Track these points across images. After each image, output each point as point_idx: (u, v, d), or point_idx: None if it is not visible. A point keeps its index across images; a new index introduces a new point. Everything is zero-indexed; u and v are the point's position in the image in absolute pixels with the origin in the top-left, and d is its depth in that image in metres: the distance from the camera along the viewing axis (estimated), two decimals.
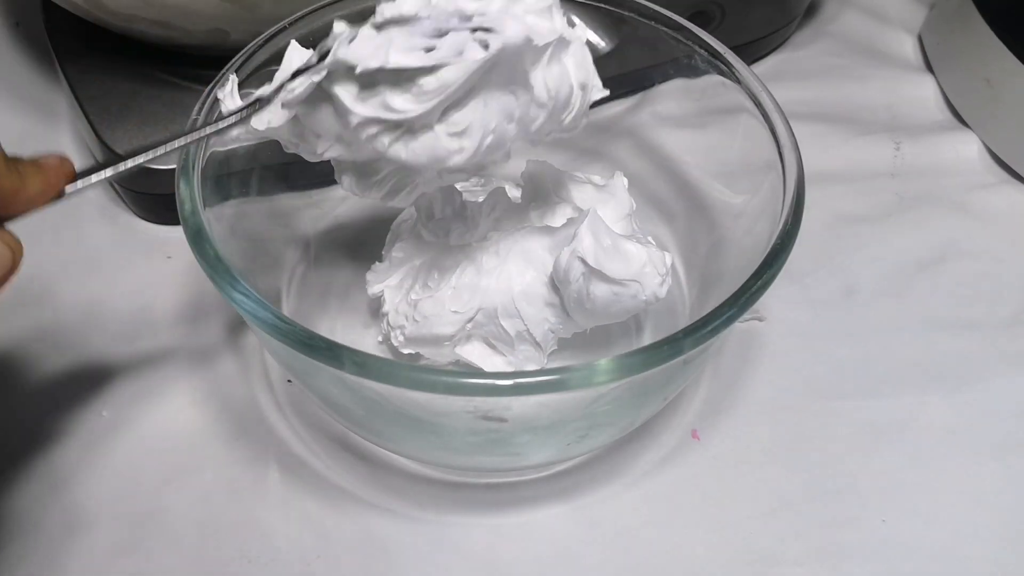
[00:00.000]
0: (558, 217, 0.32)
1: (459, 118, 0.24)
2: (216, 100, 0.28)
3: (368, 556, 0.30)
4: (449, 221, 0.31)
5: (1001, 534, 0.31)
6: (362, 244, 0.35)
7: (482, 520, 0.31)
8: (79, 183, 0.23)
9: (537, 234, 0.30)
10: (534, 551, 0.30)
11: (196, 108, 0.28)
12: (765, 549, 0.30)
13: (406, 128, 0.24)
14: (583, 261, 0.27)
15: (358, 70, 0.23)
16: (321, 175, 0.33)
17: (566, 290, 0.28)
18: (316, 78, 0.24)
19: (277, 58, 0.30)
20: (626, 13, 0.33)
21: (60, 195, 0.23)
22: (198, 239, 0.25)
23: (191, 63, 0.36)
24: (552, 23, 0.25)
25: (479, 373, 0.26)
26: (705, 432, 0.33)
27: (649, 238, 0.33)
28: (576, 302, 0.28)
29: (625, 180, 0.33)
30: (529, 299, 0.29)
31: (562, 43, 0.26)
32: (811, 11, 0.49)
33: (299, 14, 0.31)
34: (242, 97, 0.27)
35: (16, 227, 0.38)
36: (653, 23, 0.33)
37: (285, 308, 0.33)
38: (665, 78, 0.34)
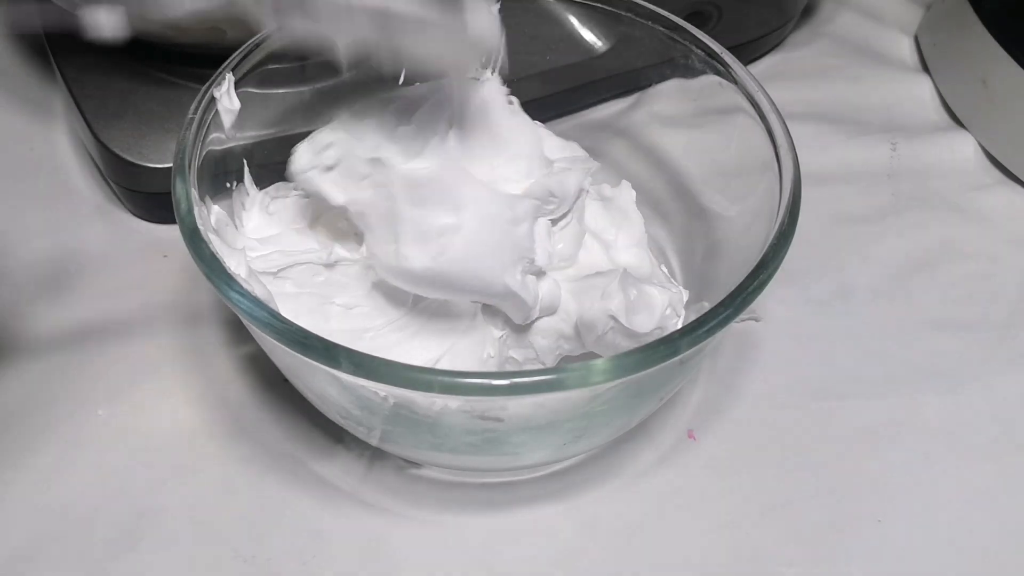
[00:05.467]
0: (568, 238, 0.32)
1: None
2: (213, 99, 0.28)
3: (364, 555, 0.30)
4: None
5: (997, 534, 0.31)
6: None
7: (478, 519, 0.31)
8: None
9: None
10: (530, 551, 0.30)
11: (192, 107, 0.28)
12: (761, 549, 0.30)
13: None
14: (614, 319, 0.27)
15: None
16: None
17: (590, 335, 0.28)
18: None
19: (274, 57, 0.31)
20: (623, 13, 0.33)
21: None
22: (194, 238, 0.25)
23: (188, 62, 0.36)
24: None
25: (476, 373, 0.26)
26: (701, 432, 0.33)
27: (662, 267, 0.33)
28: (597, 344, 0.29)
29: (633, 192, 0.33)
30: (544, 334, 0.29)
31: None
32: (808, 12, 0.49)
33: None
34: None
35: (13, 225, 0.38)
36: (650, 23, 0.33)
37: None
38: (662, 78, 0.34)
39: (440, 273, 0.26)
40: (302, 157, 0.28)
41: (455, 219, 0.25)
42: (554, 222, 0.29)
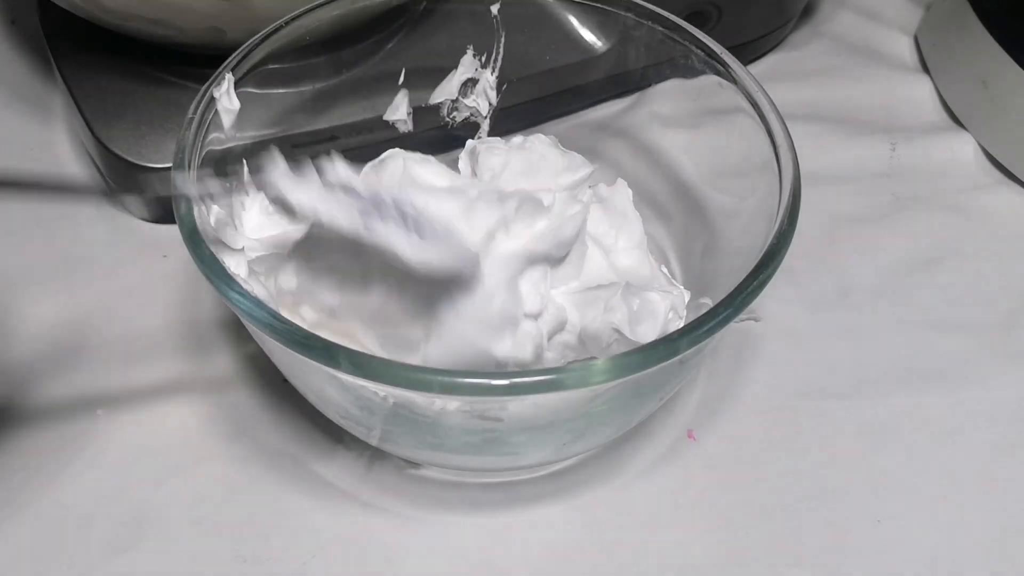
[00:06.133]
0: (571, 260, 0.32)
1: None
2: (212, 99, 0.29)
3: (363, 556, 0.30)
4: None
5: (996, 534, 0.31)
6: None
7: (478, 520, 0.31)
8: None
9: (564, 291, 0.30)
10: (530, 551, 0.30)
11: (192, 107, 0.28)
12: (760, 549, 0.30)
13: None
14: (618, 332, 0.27)
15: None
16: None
17: (595, 347, 0.29)
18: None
19: (274, 57, 0.31)
20: (622, 13, 0.33)
21: None
22: (194, 238, 0.25)
23: (187, 62, 0.36)
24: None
25: (475, 373, 0.26)
26: (701, 432, 0.33)
27: (663, 267, 0.33)
28: (603, 354, 0.29)
29: (630, 191, 0.33)
30: (550, 346, 0.29)
31: None
32: (807, 12, 0.49)
33: (295, 13, 0.31)
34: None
35: (12, 225, 0.38)
36: (649, 23, 0.33)
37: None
38: (661, 78, 0.34)
39: (433, 366, 0.26)
40: (270, 290, 0.28)
41: (423, 330, 0.26)
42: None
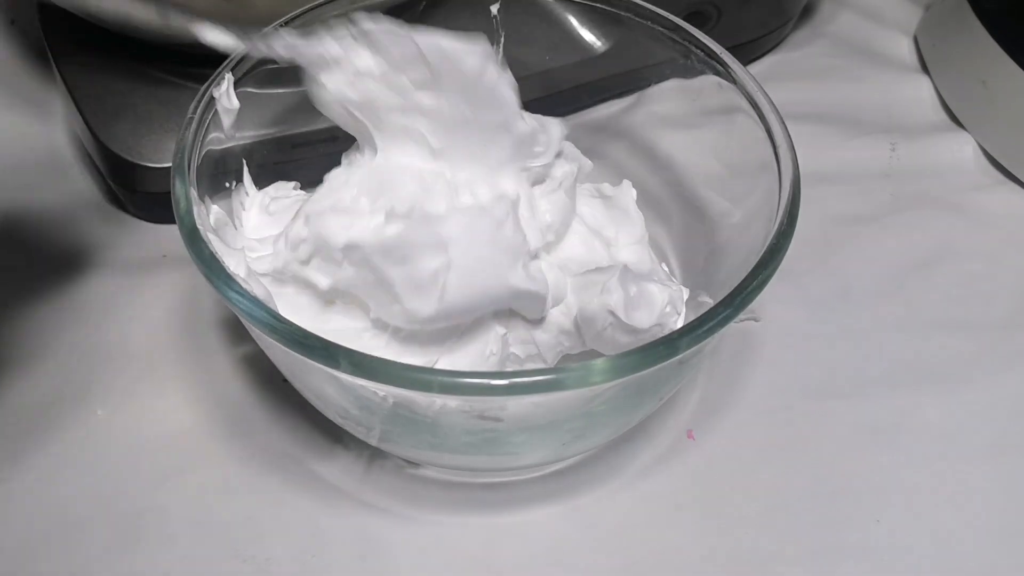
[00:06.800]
0: (555, 208, 0.32)
1: None
2: (212, 99, 0.29)
3: (363, 555, 0.30)
4: None
5: (994, 534, 0.31)
6: None
7: (477, 520, 0.31)
8: None
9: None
10: (529, 551, 0.30)
11: (192, 107, 0.28)
12: (759, 549, 0.30)
13: None
14: (613, 314, 0.27)
15: None
16: (317, 174, 0.33)
17: (589, 331, 0.29)
18: None
19: (272, 58, 0.31)
20: (622, 13, 0.33)
21: None
22: (194, 238, 0.25)
23: (188, 62, 0.36)
24: None
25: (475, 373, 0.26)
26: (700, 432, 0.33)
27: (663, 265, 0.33)
28: (597, 340, 0.29)
29: (634, 192, 0.33)
30: (546, 327, 0.29)
31: None
32: (807, 12, 0.49)
33: (294, 13, 0.31)
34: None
35: (12, 225, 0.38)
36: (649, 23, 0.33)
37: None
38: (661, 78, 0.34)
39: (450, 309, 0.26)
40: (280, 254, 0.28)
41: (442, 258, 0.26)
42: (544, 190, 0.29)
